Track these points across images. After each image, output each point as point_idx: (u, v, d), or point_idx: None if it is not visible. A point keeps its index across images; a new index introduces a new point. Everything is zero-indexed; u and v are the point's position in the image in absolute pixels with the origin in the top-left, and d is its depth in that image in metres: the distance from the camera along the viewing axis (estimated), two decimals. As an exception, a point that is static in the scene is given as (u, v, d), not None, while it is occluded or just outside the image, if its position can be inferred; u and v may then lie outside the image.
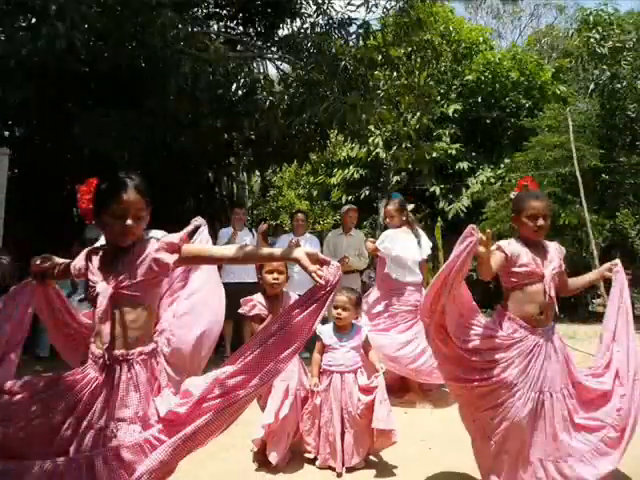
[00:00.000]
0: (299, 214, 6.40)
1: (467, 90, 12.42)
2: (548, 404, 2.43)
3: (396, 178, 11.22)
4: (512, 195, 2.75)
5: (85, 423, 1.70)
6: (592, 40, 9.29)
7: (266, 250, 2.11)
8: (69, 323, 2.15)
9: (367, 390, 3.05)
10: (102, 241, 1.97)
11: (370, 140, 10.98)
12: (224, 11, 7.48)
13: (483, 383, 2.46)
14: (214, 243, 3.47)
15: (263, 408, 3.07)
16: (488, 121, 12.19)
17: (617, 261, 2.74)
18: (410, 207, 4.76)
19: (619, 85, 9.84)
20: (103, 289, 1.76)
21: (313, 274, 1.72)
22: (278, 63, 7.33)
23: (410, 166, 11.02)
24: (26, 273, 2.07)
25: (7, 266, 5.75)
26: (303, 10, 7.30)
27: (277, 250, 1.95)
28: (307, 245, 5.63)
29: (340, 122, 6.26)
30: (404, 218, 4.55)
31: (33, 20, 5.70)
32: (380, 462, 3.18)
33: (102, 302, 1.74)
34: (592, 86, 10.74)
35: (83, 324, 2.15)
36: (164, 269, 1.81)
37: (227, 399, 1.72)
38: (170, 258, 1.81)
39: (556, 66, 13.11)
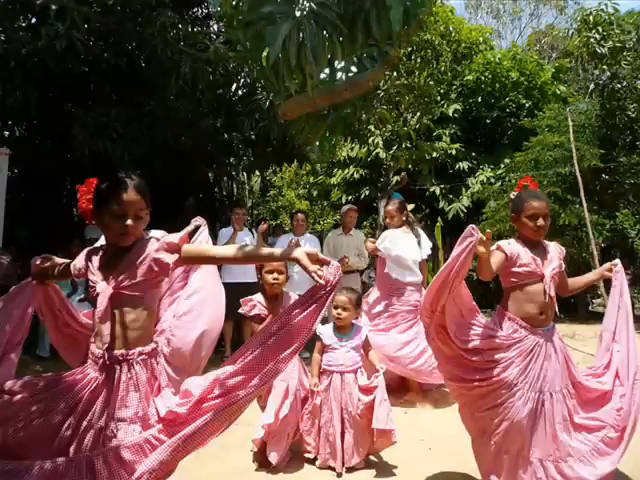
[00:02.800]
0: (299, 214, 6.40)
1: (467, 90, 12.42)
2: (548, 404, 2.43)
3: (396, 178, 11.20)
4: (512, 195, 2.75)
5: (85, 423, 1.70)
6: (592, 40, 9.26)
7: (266, 250, 2.10)
8: (69, 323, 2.15)
9: (367, 390, 3.05)
10: (102, 241, 1.97)
11: (370, 140, 10.97)
12: (224, 11, 7.48)
13: (483, 383, 2.46)
14: (214, 243, 3.47)
15: (263, 408, 3.07)
16: (488, 121, 12.20)
17: (617, 261, 2.73)
18: (410, 207, 4.76)
19: (619, 85, 9.82)
20: (103, 289, 1.76)
21: (313, 274, 1.72)
22: (278, 63, 7.32)
23: (410, 166, 11.01)
24: (26, 273, 2.08)
25: (7, 266, 5.77)
26: (303, 10, 7.29)
27: (277, 250, 1.94)
28: (307, 245, 5.63)
29: (340, 122, 6.26)
30: (404, 218, 4.55)
31: (33, 20, 5.71)
32: (380, 462, 3.18)
33: (102, 302, 1.74)
34: (592, 86, 10.72)
35: (83, 324, 2.15)
36: (164, 269, 1.81)
37: (227, 399, 1.72)
38: (170, 258, 1.81)
39: (556, 66, 13.11)
